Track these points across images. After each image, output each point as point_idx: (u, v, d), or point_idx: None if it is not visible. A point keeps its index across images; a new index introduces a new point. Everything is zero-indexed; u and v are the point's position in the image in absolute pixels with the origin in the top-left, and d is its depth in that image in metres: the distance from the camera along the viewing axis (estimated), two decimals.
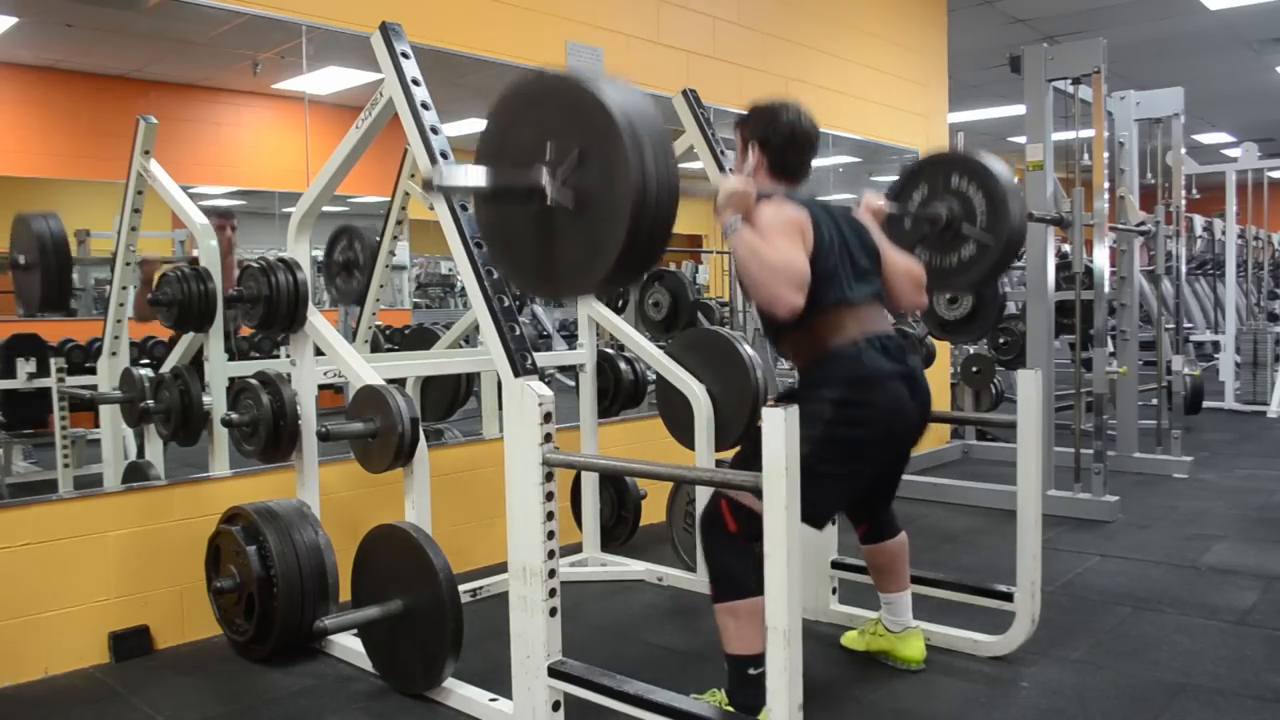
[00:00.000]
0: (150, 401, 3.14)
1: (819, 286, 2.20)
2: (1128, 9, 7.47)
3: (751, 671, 2.16)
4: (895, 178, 3.07)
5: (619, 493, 3.92)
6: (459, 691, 2.47)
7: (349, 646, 2.79)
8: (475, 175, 1.82)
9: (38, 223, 3.02)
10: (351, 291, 4.08)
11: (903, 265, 2.50)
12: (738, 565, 2.20)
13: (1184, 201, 6.39)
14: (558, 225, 1.80)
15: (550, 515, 2.15)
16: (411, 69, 2.61)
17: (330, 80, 3.59)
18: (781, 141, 2.39)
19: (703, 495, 3.29)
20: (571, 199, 1.75)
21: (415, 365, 3.57)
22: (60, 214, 3.72)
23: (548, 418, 2.15)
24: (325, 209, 3.02)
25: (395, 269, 4.43)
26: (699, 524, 2.38)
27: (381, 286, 4.05)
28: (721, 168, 3.36)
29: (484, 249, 2.36)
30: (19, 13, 3.10)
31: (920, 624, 2.70)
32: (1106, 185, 4.70)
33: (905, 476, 2.68)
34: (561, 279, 1.87)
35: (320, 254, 4.33)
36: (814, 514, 2.22)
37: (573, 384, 3.80)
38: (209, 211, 3.29)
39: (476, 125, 4.69)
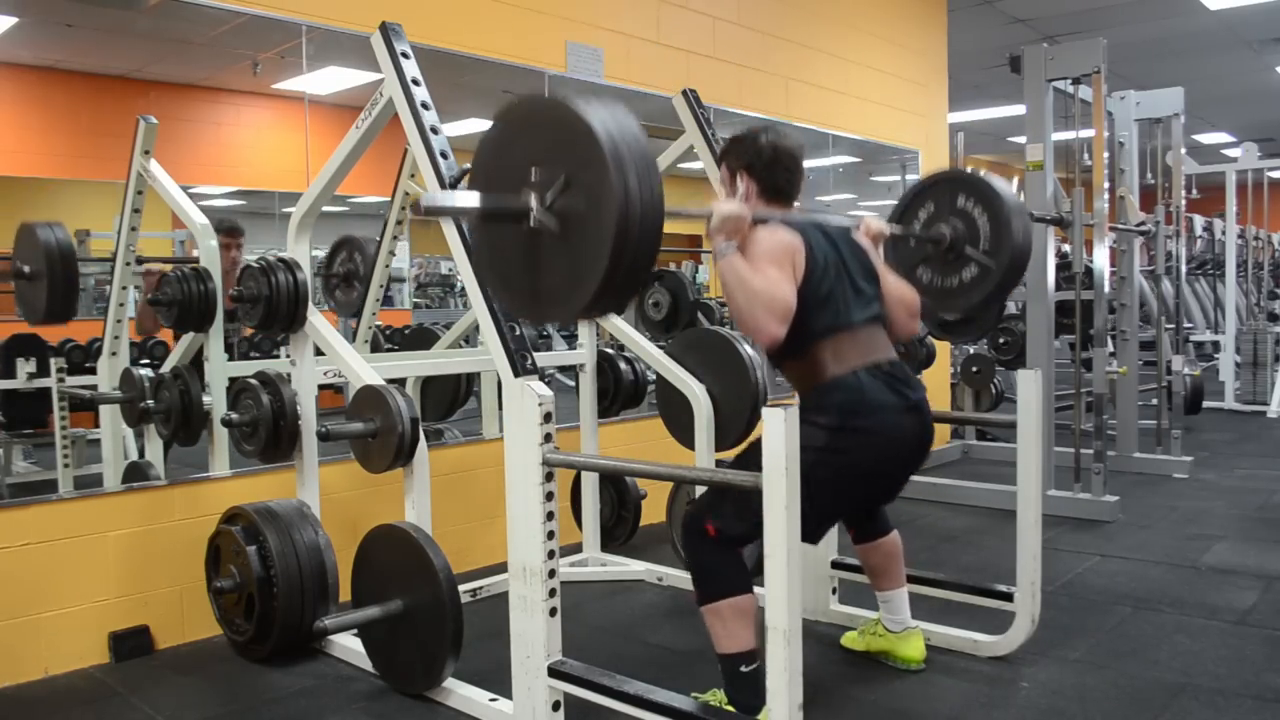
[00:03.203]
0: (150, 401, 3.14)
1: (815, 312, 2.20)
2: (1128, 9, 7.47)
3: (744, 669, 2.17)
4: (895, 177, 3.07)
5: (619, 493, 3.92)
6: (459, 691, 2.47)
7: (349, 646, 2.79)
8: (465, 198, 1.84)
9: (43, 232, 3.01)
10: (351, 304, 4.07)
11: (897, 292, 2.48)
12: (719, 566, 2.21)
13: (1184, 201, 6.39)
14: (544, 249, 1.81)
15: (550, 515, 2.15)
16: (411, 69, 2.61)
17: (330, 80, 3.59)
18: (767, 162, 2.38)
19: None
20: (557, 223, 1.76)
21: (415, 365, 3.57)
22: (60, 214, 3.73)
23: (548, 418, 2.15)
24: (325, 209, 3.02)
25: (395, 280, 4.42)
26: (681, 526, 2.38)
27: (381, 287, 4.05)
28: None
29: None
30: (19, 13, 3.09)
31: (920, 624, 2.71)
32: (1106, 185, 4.71)
33: None
34: (546, 303, 1.87)
35: (320, 253, 4.33)
36: (804, 530, 2.24)
37: (573, 384, 3.80)
38: (216, 227, 3.29)
39: (477, 125, 4.72)
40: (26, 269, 3.06)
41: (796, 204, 2.45)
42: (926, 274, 2.89)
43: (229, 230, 3.73)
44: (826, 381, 2.22)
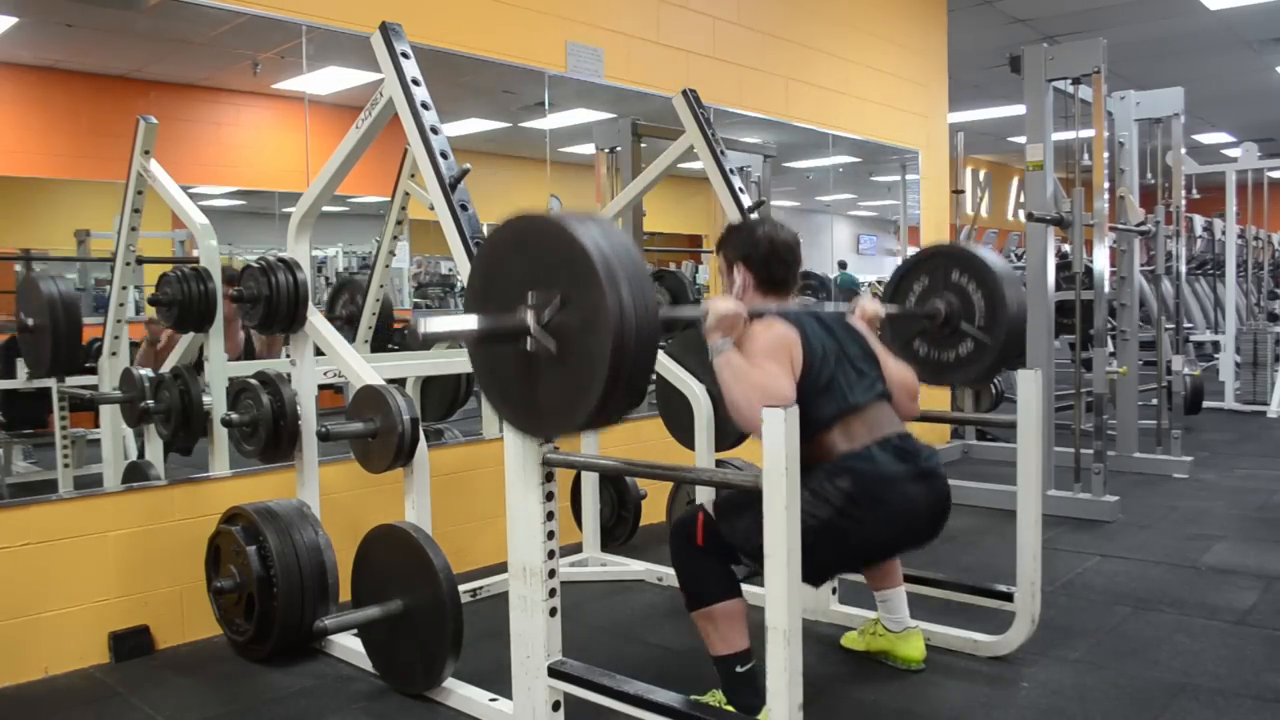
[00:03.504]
0: (150, 401, 3.14)
1: (818, 401, 2.20)
2: (1128, 9, 7.47)
3: (739, 669, 2.18)
4: (895, 177, 3.09)
5: (619, 493, 3.92)
6: (459, 691, 2.47)
7: (349, 646, 2.79)
8: (463, 322, 1.87)
9: (46, 285, 3.02)
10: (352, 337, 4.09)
11: (898, 376, 2.48)
12: (707, 572, 2.23)
13: (1184, 201, 6.39)
14: (543, 367, 1.84)
15: (550, 515, 2.15)
16: (411, 69, 2.61)
17: (330, 80, 3.59)
18: (764, 255, 2.39)
19: (703, 495, 3.29)
20: (554, 343, 1.79)
21: (415, 365, 3.57)
22: (60, 214, 3.74)
23: None
24: (325, 209, 3.02)
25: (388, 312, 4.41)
26: (670, 531, 2.39)
27: (381, 287, 4.05)
28: (722, 168, 3.36)
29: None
30: (19, 13, 3.09)
31: (920, 624, 2.71)
32: (1106, 185, 4.70)
33: None
34: (547, 418, 1.89)
35: (320, 253, 4.33)
36: (808, 578, 2.24)
37: None
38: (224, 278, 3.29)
39: (476, 125, 4.71)
40: (30, 321, 3.06)
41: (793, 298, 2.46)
42: (923, 347, 2.91)
43: (227, 280, 3.74)
44: (836, 459, 2.20)
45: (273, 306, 2.83)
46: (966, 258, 2.85)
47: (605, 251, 1.72)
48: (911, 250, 6.53)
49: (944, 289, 2.86)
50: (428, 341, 1.87)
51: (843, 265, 9.61)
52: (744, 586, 2.28)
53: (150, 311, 3.38)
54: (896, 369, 2.50)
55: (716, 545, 2.22)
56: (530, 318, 1.80)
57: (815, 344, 2.27)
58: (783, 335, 2.24)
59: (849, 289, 8.90)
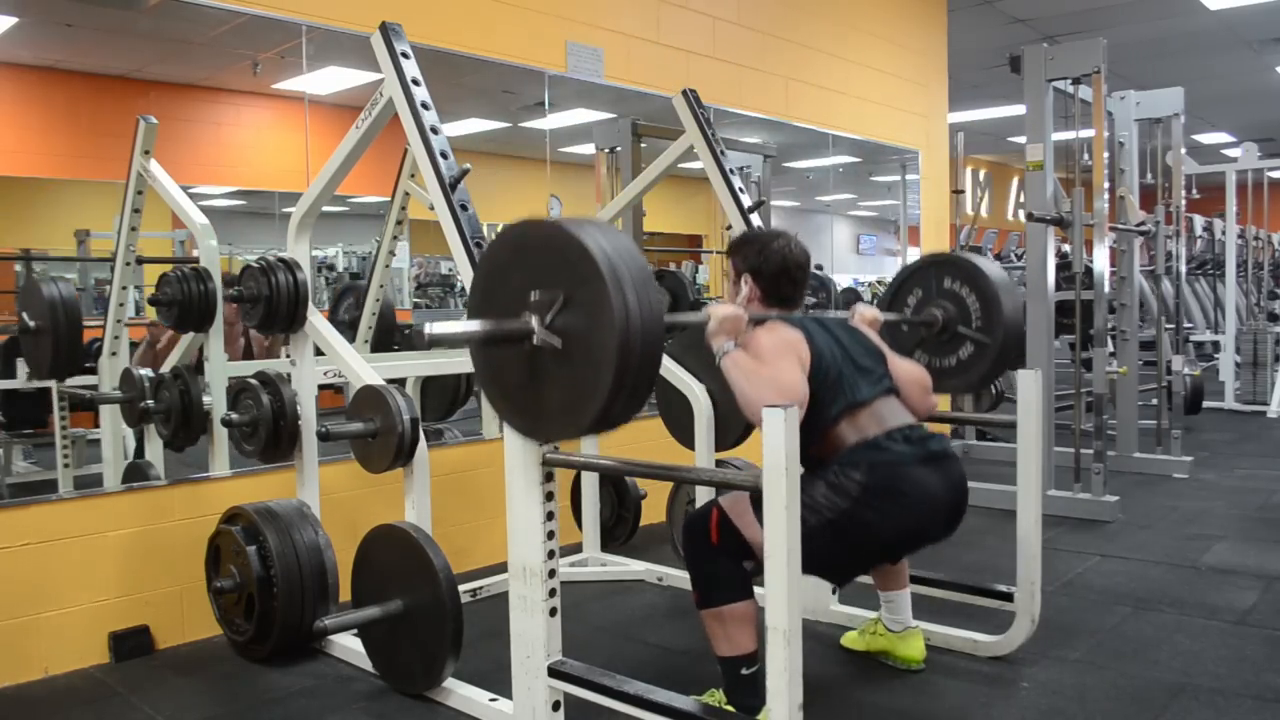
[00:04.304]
0: (150, 401, 3.14)
1: (825, 397, 2.20)
2: (1128, 9, 7.47)
3: (744, 672, 2.17)
4: (895, 177, 3.10)
5: (619, 493, 3.92)
6: (459, 691, 2.47)
7: (349, 646, 2.79)
8: (468, 325, 1.88)
9: (48, 287, 3.02)
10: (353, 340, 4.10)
11: (908, 372, 2.49)
12: (720, 572, 2.21)
13: (1184, 201, 6.39)
14: (547, 369, 1.84)
15: (550, 515, 2.15)
16: (411, 69, 2.61)
17: (330, 80, 3.59)
18: (774, 271, 2.40)
19: (703, 495, 3.29)
20: (559, 342, 1.78)
21: (415, 365, 3.57)
22: (60, 214, 3.74)
23: None
24: (325, 209, 3.02)
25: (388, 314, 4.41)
26: (682, 529, 2.38)
27: (381, 287, 4.05)
28: (722, 168, 3.36)
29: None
30: (19, 13, 3.09)
31: (920, 624, 2.71)
32: (1106, 185, 4.70)
33: None
34: (552, 421, 1.89)
35: (320, 253, 4.33)
36: (830, 576, 2.24)
37: None
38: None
39: (476, 125, 4.70)
40: (32, 323, 3.07)
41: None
42: (924, 357, 2.93)
43: (231, 298, 3.74)
44: (846, 450, 2.20)
45: (273, 306, 2.83)
46: (956, 263, 2.88)
47: (607, 250, 1.72)
48: (912, 251, 6.56)
49: (938, 297, 2.89)
50: (434, 344, 1.87)
51: (819, 268, 9.57)
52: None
53: (151, 313, 3.38)
54: (905, 364, 2.51)
55: (731, 543, 2.20)
56: (534, 320, 1.81)
57: (820, 343, 2.27)
58: (787, 336, 2.24)
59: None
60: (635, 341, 1.68)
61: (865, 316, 2.59)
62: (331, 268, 4.83)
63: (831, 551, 2.10)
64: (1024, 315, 2.86)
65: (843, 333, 2.40)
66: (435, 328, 1.84)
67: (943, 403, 6.17)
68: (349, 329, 4.07)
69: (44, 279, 3.11)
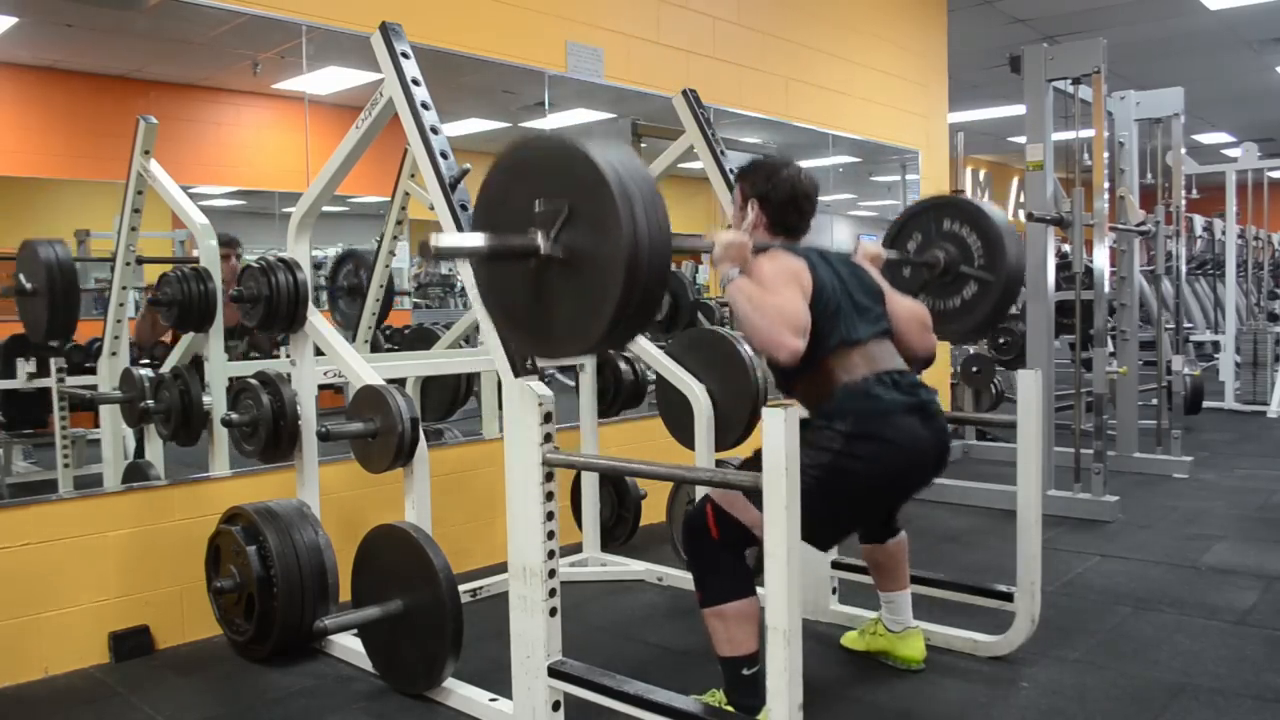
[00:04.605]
0: (150, 401, 3.14)
1: (822, 329, 2.19)
2: (1128, 9, 7.47)
3: (745, 672, 2.17)
4: (894, 177, 3.10)
5: (619, 493, 3.92)
6: (459, 691, 2.47)
7: (349, 646, 2.79)
8: (473, 239, 1.86)
9: (45, 249, 3.03)
10: (357, 317, 4.10)
11: (907, 308, 2.49)
12: (723, 569, 2.21)
13: (1184, 201, 6.39)
14: (554, 285, 1.82)
15: (550, 515, 2.15)
16: (411, 69, 2.61)
17: (330, 80, 3.59)
18: (782, 200, 2.39)
19: (702, 495, 3.29)
20: (565, 254, 1.77)
21: (415, 365, 3.57)
22: (60, 214, 3.73)
23: (548, 418, 2.15)
24: (325, 209, 3.02)
25: (399, 294, 4.42)
26: (682, 528, 2.38)
27: (381, 287, 4.05)
28: (722, 168, 3.36)
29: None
30: (19, 13, 3.09)
31: (920, 624, 2.71)
32: (1106, 185, 4.70)
33: None
34: (559, 338, 1.87)
35: (320, 253, 4.32)
36: (816, 539, 2.22)
37: (573, 384, 3.80)
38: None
39: (477, 125, 4.70)
40: (29, 285, 3.08)
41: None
42: (927, 300, 2.91)
43: (226, 242, 3.73)
44: (837, 390, 2.21)
45: (273, 306, 2.83)
46: (956, 205, 2.86)
47: (614, 163, 1.69)
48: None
49: (938, 240, 2.87)
50: (439, 255, 1.85)
51: None
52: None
53: (150, 278, 3.39)
54: (905, 301, 2.51)
55: (731, 534, 2.18)
56: (539, 235, 1.78)
57: (822, 275, 2.27)
58: (790, 264, 2.24)
59: None
60: (644, 256, 1.65)
61: (869, 252, 2.58)
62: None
63: (817, 510, 2.03)
64: (1024, 258, 2.83)
65: (844, 268, 2.39)
66: (440, 239, 1.82)
67: (942, 402, 6.19)
68: (348, 294, 4.07)
69: (41, 242, 3.09)
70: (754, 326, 2.10)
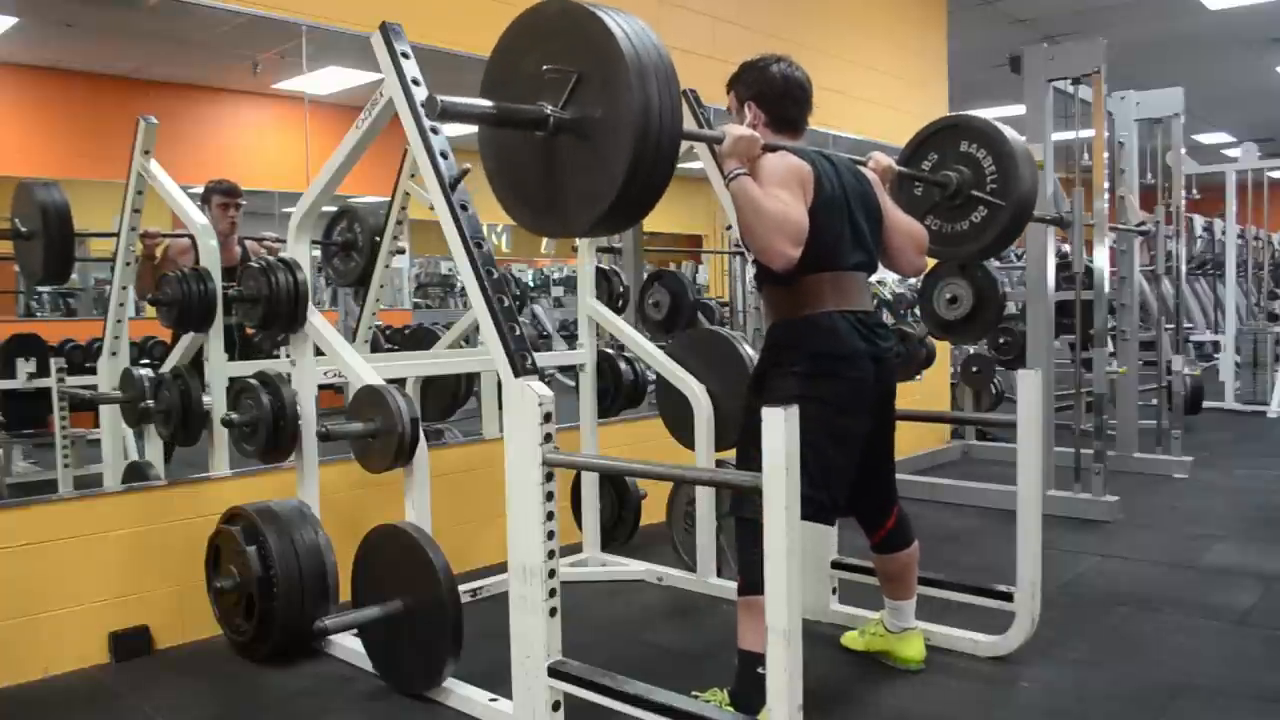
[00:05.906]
0: (150, 401, 3.14)
1: (814, 242, 2.18)
2: (1128, 9, 7.47)
3: (760, 670, 2.15)
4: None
5: (619, 493, 3.92)
6: (459, 691, 2.47)
7: (349, 646, 2.79)
8: (480, 101, 1.85)
9: (40, 191, 3.01)
10: (349, 272, 4.06)
11: (905, 226, 2.50)
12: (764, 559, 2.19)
13: (1184, 201, 6.39)
14: (562, 156, 1.79)
15: (550, 515, 2.15)
16: (411, 69, 2.61)
17: (330, 80, 3.59)
18: (777, 94, 2.37)
19: (703, 495, 3.29)
20: (572, 123, 1.74)
21: (415, 365, 3.57)
22: None
23: (548, 418, 2.15)
24: (325, 209, 3.02)
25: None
26: (731, 506, 2.36)
27: (382, 286, 4.04)
28: (722, 168, 3.35)
29: (484, 249, 2.37)
30: (19, 13, 3.10)
31: (920, 624, 2.70)
32: (1106, 185, 4.70)
33: (905, 476, 2.67)
34: (561, 213, 1.85)
35: (320, 254, 4.32)
36: (814, 494, 2.15)
37: (573, 384, 3.80)
38: (215, 188, 3.23)
39: (476, 125, 4.66)
40: (24, 229, 3.07)
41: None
42: (935, 222, 2.91)
43: (228, 190, 3.70)
44: (800, 318, 2.25)
45: (273, 306, 2.83)
46: (975, 127, 2.84)
47: (627, 32, 1.68)
48: None
49: (953, 161, 2.86)
50: (445, 112, 1.84)
51: None
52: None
53: (150, 310, 3.38)
54: (903, 220, 2.51)
55: None
56: (548, 104, 1.76)
57: (826, 183, 2.27)
58: (796, 166, 2.23)
59: None
60: (654, 121, 1.62)
61: (880, 164, 2.59)
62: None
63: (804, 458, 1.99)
64: (1036, 185, 2.82)
65: (851, 179, 2.39)
66: (448, 99, 1.81)
67: (943, 402, 6.20)
68: (343, 250, 4.05)
69: (36, 184, 3.08)
70: (752, 229, 2.11)
